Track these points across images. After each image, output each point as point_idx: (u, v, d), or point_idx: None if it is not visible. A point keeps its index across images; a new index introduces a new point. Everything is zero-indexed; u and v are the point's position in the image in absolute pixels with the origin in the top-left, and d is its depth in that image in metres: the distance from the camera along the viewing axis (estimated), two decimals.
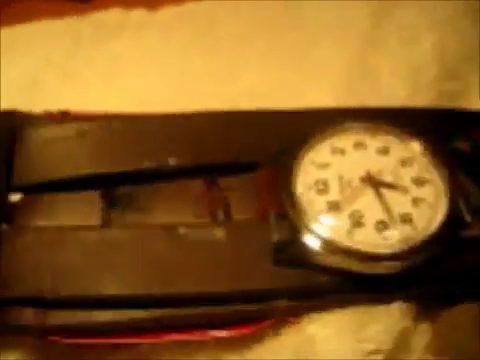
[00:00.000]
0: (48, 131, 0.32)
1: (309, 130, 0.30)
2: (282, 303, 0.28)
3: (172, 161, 0.30)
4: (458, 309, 0.28)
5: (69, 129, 0.31)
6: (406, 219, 0.28)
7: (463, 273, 0.28)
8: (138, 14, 0.43)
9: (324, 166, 0.29)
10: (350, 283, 0.27)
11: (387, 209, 0.28)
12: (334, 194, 0.28)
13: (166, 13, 0.43)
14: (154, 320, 0.28)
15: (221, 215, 0.30)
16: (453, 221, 0.28)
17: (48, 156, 0.31)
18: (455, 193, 0.29)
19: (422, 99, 0.35)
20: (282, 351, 0.28)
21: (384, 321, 0.27)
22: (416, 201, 0.28)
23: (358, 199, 0.28)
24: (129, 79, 0.40)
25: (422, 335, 0.28)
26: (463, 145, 0.32)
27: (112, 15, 0.42)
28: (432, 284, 0.28)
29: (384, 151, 0.30)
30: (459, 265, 0.28)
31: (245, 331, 0.28)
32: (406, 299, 0.28)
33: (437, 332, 0.28)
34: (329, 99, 0.37)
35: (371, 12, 0.39)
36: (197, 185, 0.31)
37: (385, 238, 0.27)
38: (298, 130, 0.30)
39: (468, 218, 0.29)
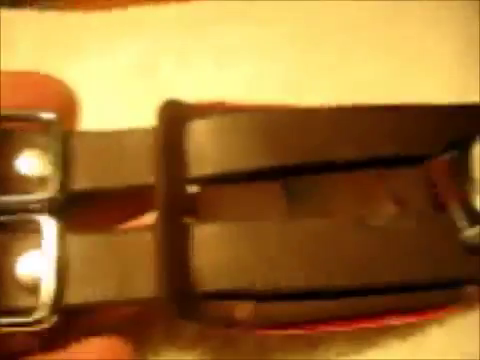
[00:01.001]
0: (215, 122, 0.31)
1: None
2: (473, 289, 0.29)
3: (345, 154, 0.31)
4: None
5: (237, 120, 0.31)
6: None
7: None
8: (237, 3, 0.43)
9: None
10: None
11: None
12: None
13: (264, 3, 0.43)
14: (352, 309, 0.28)
15: (397, 206, 0.31)
16: None
17: (221, 148, 0.31)
18: None
19: None
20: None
21: None
22: None
23: None
24: (239, 67, 0.39)
25: None
26: None
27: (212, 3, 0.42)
28: None
29: None
30: None
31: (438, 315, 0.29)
32: None
33: None
34: (445, 92, 0.38)
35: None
36: (371, 176, 0.31)
37: None
38: (468, 123, 0.32)
39: None
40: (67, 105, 0.30)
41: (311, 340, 0.30)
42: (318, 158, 0.31)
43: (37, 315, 0.26)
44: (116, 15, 0.39)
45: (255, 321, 0.27)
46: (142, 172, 0.29)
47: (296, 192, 0.31)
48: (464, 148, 0.31)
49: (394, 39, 0.41)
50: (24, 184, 0.28)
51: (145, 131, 0.30)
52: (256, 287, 0.27)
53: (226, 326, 0.27)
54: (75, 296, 0.26)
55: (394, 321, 0.29)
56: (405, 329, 0.30)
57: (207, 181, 0.30)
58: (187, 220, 0.29)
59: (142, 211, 0.30)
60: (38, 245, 0.27)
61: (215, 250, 0.28)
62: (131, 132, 0.30)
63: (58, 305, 0.26)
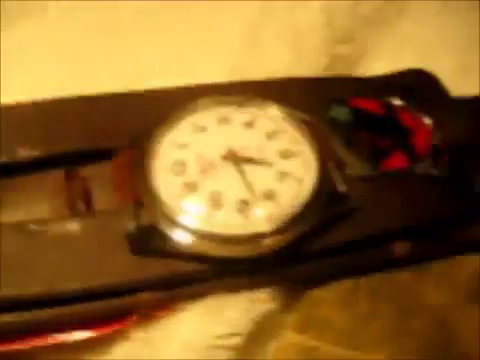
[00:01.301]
0: None
1: (169, 109, 0.28)
2: (145, 296, 0.26)
3: (23, 152, 0.28)
4: (323, 287, 0.26)
5: None
6: (270, 196, 0.26)
7: (339, 247, 0.27)
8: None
9: (183, 146, 0.27)
10: (213, 269, 0.25)
11: (249, 187, 0.26)
12: (191, 175, 0.26)
13: None
14: (9, 324, 0.26)
15: (82, 207, 0.28)
16: (323, 194, 0.26)
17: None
18: (325, 164, 0.27)
19: (311, 64, 0.33)
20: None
21: (243, 305, 0.25)
22: (282, 175, 0.26)
23: (217, 178, 0.26)
24: (26, 65, 0.37)
25: (288, 315, 0.26)
26: (341, 113, 0.30)
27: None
28: (302, 264, 0.26)
29: (250, 125, 0.28)
30: (334, 239, 0.26)
31: (106, 330, 0.26)
32: (273, 282, 0.26)
33: (300, 309, 0.26)
34: (222, 72, 0.35)
35: None
36: (56, 177, 0.28)
37: (247, 218, 0.25)
38: (158, 110, 0.28)
39: (342, 188, 0.27)
40: None
41: None
42: None
43: None
44: None
45: None
46: None
47: None
48: (146, 141, 0.27)
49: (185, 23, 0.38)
50: None
51: None
52: None
53: None
54: None
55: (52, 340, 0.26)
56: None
57: None
58: None
59: None
60: None
61: None
62: None
63: None
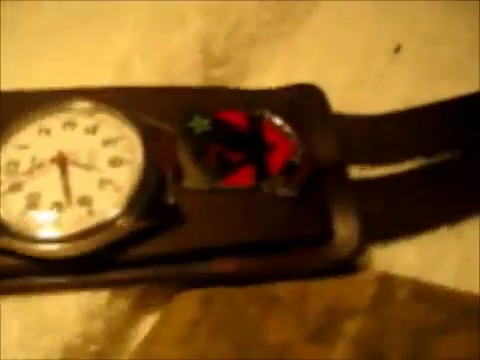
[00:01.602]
0: None
1: (19, 112, 0.29)
2: None
3: None
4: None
5: None
6: (85, 201, 0.26)
7: (162, 257, 0.27)
8: None
9: (23, 147, 0.28)
10: (27, 267, 0.26)
11: (67, 190, 0.26)
12: (20, 175, 0.27)
13: None
14: None
15: None
16: (145, 203, 0.26)
17: None
18: (160, 174, 0.27)
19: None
20: None
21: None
22: (103, 183, 0.27)
23: (40, 180, 0.27)
24: None
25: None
26: (201, 124, 0.30)
27: None
28: (120, 269, 0.26)
29: (92, 131, 0.28)
30: (157, 248, 0.26)
31: None
32: (88, 284, 0.26)
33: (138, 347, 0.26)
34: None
35: None
36: None
37: (57, 220, 0.26)
38: (17, 111, 0.29)
39: (171, 200, 0.27)
40: None
41: None
42: None
43: None
44: None
45: None
46: None
47: None
48: None
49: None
50: None
51: None
52: None
53: None
54: None
55: None
56: None
57: None
58: None
59: None
60: None
61: None
62: None
63: None
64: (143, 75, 0.33)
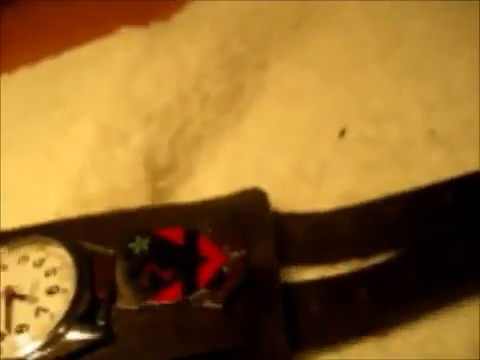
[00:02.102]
0: None
1: None
2: None
3: None
4: None
5: None
6: (21, 329, 0.29)
7: None
8: None
9: None
10: None
11: (8, 321, 0.29)
12: None
13: None
14: None
15: None
16: (75, 327, 0.29)
17: None
18: (94, 297, 0.30)
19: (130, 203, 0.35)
20: None
21: None
22: (38, 311, 0.29)
23: None
24: None
25: None
26: (141, 244, 0.32)
27: None
28: None
29: (39, 263, 0.31)
30: None
31: None
32: None
33: None
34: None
35: None
36: None
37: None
38: None
39: (101, 323, 0.29)
40: None
41: None
42: None
43: None
44: None
45: None
46: None
47: None
48: None
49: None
50: None
51: None
52: None
53: None
54: None
55: None
56: None
57: None
58: None
59: None
60: None
61: None
62: None
63: None
64: (95, 192, 0.36)
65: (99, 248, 0.32)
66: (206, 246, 0.32)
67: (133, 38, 0.46)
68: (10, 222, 0.36)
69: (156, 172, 0.37)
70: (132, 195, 0.36)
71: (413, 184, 0.34)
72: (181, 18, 0.42)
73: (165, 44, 0.40)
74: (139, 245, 0.32)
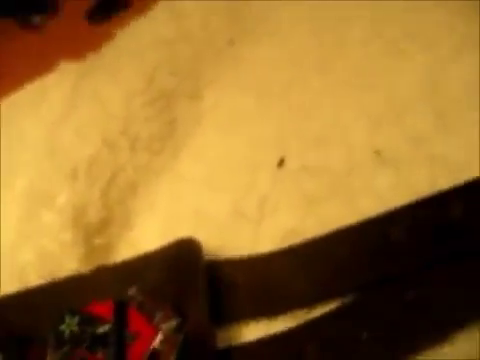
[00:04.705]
0: None
1: None
2: None
3: None
4: None
5: None
6: None
7: None
8: None
9: None
10: None
11: None
12: None
13: None
14: None
15: None
16: None
17: None
18: None
19: (62, 262, 0.33)
20: None
21: None
22: None
23: None
24: None
25: None
26: (71, 324, 0.30)
27: None
28: None
29: None
30: None
31: None
32: None
33: None
34: None
35: None
36: None
37: None
38: None
39: None
40: None
41: None
42: None
43: None
44: None
45: None
46: None
47: None
48: None
49: None
50: None
51: None
52: None
53: None
54: None
55: None
56: None
57: None
58: None
59: None
60: None
61: None
62: None
63: None
64: (29, 259, 0.34)
65: (33, 332, 0.30)
66: (137, 320, 0.30)
67: (67, 74, 0.44)
68: None
69: (89, 230, 0.34)
70: (65, 259, 0.34)
71: (360, 215, 0.31)
72: (103, 55, 0.39)
73: (86, 88, 0.37)
74: (68, 326, 0.30)
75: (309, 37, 0.38)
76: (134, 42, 0.38)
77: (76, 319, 0.31)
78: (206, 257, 0.31)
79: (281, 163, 0.34)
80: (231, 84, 0.38)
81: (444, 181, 0.31)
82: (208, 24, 0.39)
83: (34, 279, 0.34)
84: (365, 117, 0.34)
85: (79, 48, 0.47)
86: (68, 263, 0.34)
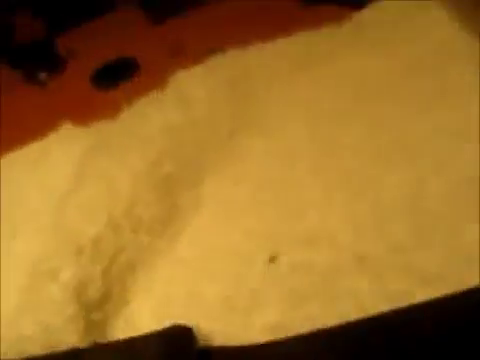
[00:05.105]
0: None
1: None
2: None
3: None
4: None
5: None
6: None
7: None
8: None
9: None
10: None
11: None
12: None
13: None
14: None
15: None
16: None
17: None
18: None
19: (63, 336, 0.35)
20: None
21: None
22: None
23: None
24: None
25: None
26: None
27: None
28: None
29: None
30: None
31: None
32: None
33: None
34: None
35: None
36: None
37: None
38: None
39: None
40: None
41: None
42: None
43: None
44: None
45: None
46: None
47: None
48: None
49: None
50: None
51: None
52: None
53: None
54: None
55: None
56: None
57: None
58: None
59: None
60: None
61: None
62: None
63: None
64: (30, 330, 0.35)
65: None
66: None
67: (73, 140, 0.46)
68: None
69: (88, 306, 0.36)
70: (65, 333, 0.36)
71: (340, 317, 0.34)
72: (110, 132, 0.42)
73: (93, 164, 0.40)
74: None
75: (304, 136, 0.42)
76: (143, 125, 0.41)
77: None
78: (199, 344, 0.34)
79: (272, 260, 0.37)
80: (229, 175, 0.41)
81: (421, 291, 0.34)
82: (213, 114, 0.42)
83: (33, 350, 0.36)
84: (350, 223, 0.38)
85: (83, 112, 0.50)
86: (68, 337, 0.36)
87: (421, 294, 0.34)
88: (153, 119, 0.41)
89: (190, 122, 0.41)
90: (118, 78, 0.52)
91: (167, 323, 0.35)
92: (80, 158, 0.42)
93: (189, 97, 0.42)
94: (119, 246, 0.38)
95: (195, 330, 0.34)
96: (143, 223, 0.39)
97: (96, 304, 0.37)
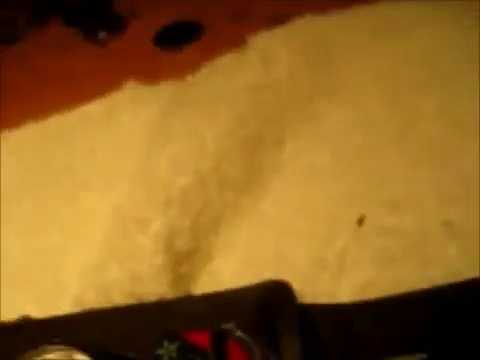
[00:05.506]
0: None
1: None
2: None
3: None
4: None
5: None
6: None
7: None
8: None
9: None
10: None
11: None
12: None
13: None
14: None
15: None
16: None
17: None
18: None
19: (152, 287, 0.35)
20: None
21: None
22: None
23: None
24: None
25: None
26: (169, 350, 0.32)
27: None
28: None
29: None
30: None
31: None
32: None
33: None
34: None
35: None
36: None
37: None
38: None
39: None
40: None
41: None
42: None
43: None
44: None
45: None
46: None
47: None
48: None
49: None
50: None
51: None
52: None
53: None
54: None
55: None
56: None
57: None
58: None
59: None
60: None
61: None
62: None
63: None
64: (117, 279, 0.35)
65: (126, 352, 0.32)
66: (236, 354, 0.32)
67: (142, 98, 0.45)
68: (27, 308, 0.36)
69: (177, 258, 0.36)
70: (153, 283, 0.36)
71: (429, 281, 0.35)
72: (192, 89, 0.42)
73: (180, 121, 0.39)
74: (167, 351, 0.32)
75: (384, 105, 0.42)
76: (226, 84, 0.41)
77: (175, 345, 0.33)
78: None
79: (360, 222, 0.38)
80: (310, 138, 0.41)
81: None
82: (293, 77, 0.42)
83: (120, 299, 0.36)
84: (435, 192, 0.38)
85: (147, 72, 0.49)
86: (157, 287, 0.35)
87: None
88: (236, 78, 0.41)
89: (272, 83, 0.41)
90: (182, 40, 0.51)
91: (253, 281, 0.35)
92: (157, 115, 0.42)
93: (271, 58, 0.42)
94: (206, 201, 0.38)
95: None
96: (229, 180, 0.39)
97: (184, 257, 0.37)
